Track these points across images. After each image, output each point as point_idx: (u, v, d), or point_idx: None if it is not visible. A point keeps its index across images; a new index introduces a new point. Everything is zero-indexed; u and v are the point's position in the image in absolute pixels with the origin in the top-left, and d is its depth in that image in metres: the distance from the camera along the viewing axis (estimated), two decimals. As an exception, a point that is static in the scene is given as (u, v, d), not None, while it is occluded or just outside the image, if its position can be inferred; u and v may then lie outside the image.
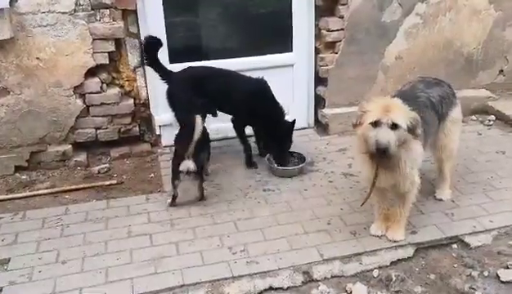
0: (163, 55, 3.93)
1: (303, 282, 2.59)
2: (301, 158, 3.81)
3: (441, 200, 3.23)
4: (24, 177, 3.69)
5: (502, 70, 4.72)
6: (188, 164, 3.14)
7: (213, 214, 3.18)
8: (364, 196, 3.23)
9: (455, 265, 2.69)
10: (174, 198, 3.27)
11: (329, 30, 4.18)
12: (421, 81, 3.07)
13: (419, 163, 2.71)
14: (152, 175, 3.75)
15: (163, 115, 4.08)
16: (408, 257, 2.74)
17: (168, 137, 4.14)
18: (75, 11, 3.52)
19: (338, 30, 4.18)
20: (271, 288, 2.56)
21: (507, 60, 4.70)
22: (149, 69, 3.93)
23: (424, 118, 2.67)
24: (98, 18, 3.60)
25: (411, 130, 2.48)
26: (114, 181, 3.62)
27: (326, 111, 4.37)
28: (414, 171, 2.65)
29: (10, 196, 3.44)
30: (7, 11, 3.31)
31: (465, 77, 4.60)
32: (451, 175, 3.26)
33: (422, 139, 2.65)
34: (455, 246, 2.84)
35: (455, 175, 3.39)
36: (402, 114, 2.47)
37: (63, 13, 3.49)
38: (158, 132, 4.14)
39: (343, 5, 4.11)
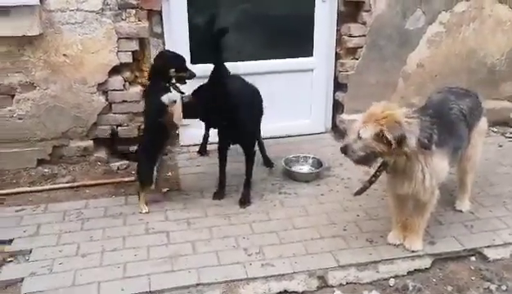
0: (185, 55, 3.99)
1: (317, 287, 2.60)
2: (318, 163, 3.82)
3: (460, 211, 3.20)
4: (46, 171, 3.76)
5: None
6: None
7: (230, 215, 3.20)
8: (380, 203, 3.27)
9: (473, 278, 2.67)
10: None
11: (351, 36, 4.18)
12: (450, 91, 2.98)
13: (442, 177, 2.66)
14: (170, 173, 3.80)
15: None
16: (426, 268, 2.73)
17: (186, 137, 4.21)
18: (103, 10, 3.58)
19: (360, 36, 4.18)
20: (285, 292, 2.57)
21: (531, 71, 4.65)
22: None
23: (457, 133, 2.69)
24: (124, 17, 3.65)
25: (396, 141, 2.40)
26: (133, 178, 3.66)
27: (344, 117, 4.36)
28: (433, 183, 2.61)
29: (32, 188, 3.52)
30: (38, 7, 3.38)
31: (487, 88, 4.54)
32: (472, 186, 3.23)
33: (447, 152, 2.62)
34: (473, 258, 2.81)
35: (476, 186, 3.36)
36: (372, 126, 2.44)
37: (91, 12, 3.55)
38: (176, 132, 4.18)
39: (367, 11, 4.11)
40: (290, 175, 3.71)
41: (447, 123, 2.67)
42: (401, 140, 2.41)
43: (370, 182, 2.71)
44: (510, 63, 4.55)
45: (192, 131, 4.18)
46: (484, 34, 4.38)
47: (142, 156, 3.29)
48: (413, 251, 2.79)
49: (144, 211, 3.22)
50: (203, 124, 4.04)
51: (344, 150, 2.58)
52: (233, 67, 3.97)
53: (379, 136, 2.43)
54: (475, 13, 4.29)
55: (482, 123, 3.05)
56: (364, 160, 2.57)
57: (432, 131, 2.52)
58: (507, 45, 4.48)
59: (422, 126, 2.48)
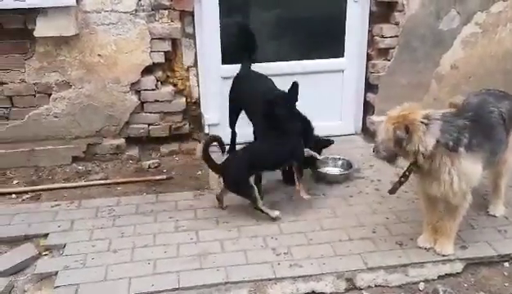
0: (216, 55, 4.05)
1: (345, 289, 2.59)
2: (347, 165, 3.79)
3: (494, 216, 3.12)
4: (80, 168, 3.87)
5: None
6: None
7: (258, 214, 3.20)
8: (410, 206, 3.23)
9: (507, 284, 2.60)
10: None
11: (382, 36, 4.13)
12: (488, 93, 2.91)
13: (473, 180, 2.60)
14: (200, 172, 3.84)
15: (212, 115, 4.17)
16: (457, 273, 2.68)
17: (216, 136, 4.24)
18: (136, 11, 3.65)
19: (392, 37, 4.13)
20: (313, 293, 2.57)
21: None
22: (201, 69, 4.05)
23: (495, 137, 2.66)
24: (157, 18, 3.73)
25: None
26: (164, 176, 3.73)
27: (375, 118, 4.31)
28: (462, 186, 2.55)
29: (67, 185, 3.62)
30: (74, 8, 3.49)
31: None
32: (506, 190, 3.14)
33: (481, 156, 2.57)
34: (506, 264, 2.74)
35: (510, 191, 3.27)
36: (387, 127, 2.54)
37: (125, 12, 3.64)
38: (207, 131, 4.22)
39: (400, 11, 4.05)
40: (319, 177, 3.70)
41: (485, 126, 2.63)
42: (400, 142, 2.47)
43: (400, 182, 2.70)
44: (548, 64, 4.40)
45: (222, 130, 4.21)
46: (522, 35, 4.26)
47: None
48: (444, 256, 2.74)
49: (276, 215, 3.13)
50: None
51: (373, 149, 2.71)
52: (265, 68, 4.02)
53: (393, 137, 2.50)
54: (512, 13, 4.18)
55: None
56: (389, 159, 2.66)
57: (459, 134, 2.49)
58: (545, 46, 4.34)
59: (445, 128, 2.48)
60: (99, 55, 3.70)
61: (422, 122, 2.45)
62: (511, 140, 2.91)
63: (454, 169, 2.52)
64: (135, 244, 2.90)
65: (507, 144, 2.87)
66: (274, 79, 4.04)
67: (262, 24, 4.21)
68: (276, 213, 3.15)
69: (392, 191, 2.78)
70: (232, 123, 3.94)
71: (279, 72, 4.15)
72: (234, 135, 4.00)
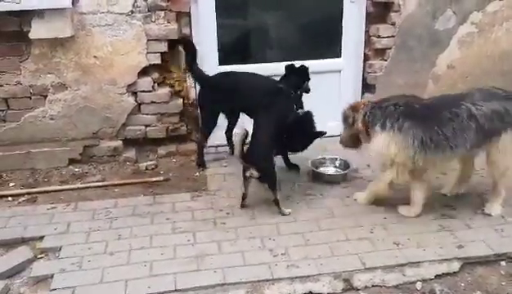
0: (213, 56, 4.04)
1: (343, 289, 2.58)
2: (345, 165, 3.79)
3: (489, 215, 3.13)
4: (76, 170, 3.87)
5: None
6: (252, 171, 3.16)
7: (255, 215, 3.21)
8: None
9: (503, 283, 2.60)
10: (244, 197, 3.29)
11: (379, 37, 4.14)
12: (484, 91, 3.03)
13: (383, 155, 3.03)
14: (197, 174, 3.83)
15: (209, 116, 4.16)
16: (454, 272, 2.67)
17: (214, 138, 4.23)
18: (132, 12, 3.65)
19: (388, 37, 4.14)
20: (310, 293, 2.56)
21: None
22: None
23: (439, 131, 2.90)
24: (153, 19, 3.72)
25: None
26: (161, 178, 3.73)
27: (372, 118, 4.32)
28: (377, 157, 3.13)
29: (63, 187, 3.61)
30: (69, 10, 3.48)
31: None
32: (505, 191, 3.14)
33: (398, 139, 2.94)
34: (503, 263, 2.74)
35: (508, 190, 3.26)
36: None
37: (121, 14, 3.64)
38: (204, 132, 4.22)
39: (396, 12, 4.06)
40: (317, 177, 3.69)
41: (426, 118, 2.94)
42: (348, 120, 3.20)
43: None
44: (545, 64, 4.40)
45: (220, 132, 4.21)
46: (518, 34, 4.27)
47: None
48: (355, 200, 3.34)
49: (288, 212, 3.22)
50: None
51: (339, 141, 3.44)
52: (262, 69, 4.03)
53: (348, 123, 3.22)
54: (508, 12, 4.18)
55: None
56: (350, 144, 3.34)
57: (380, 117, 3.00)
58: (542, 45, 4.35)
59: (372, 111, 3.07)
60: (95, 56, 3.69)
61: (361, 107, 3.14)
62: (504, 143, 2.94)
63: (371, 142, 3.08)
64: (132, 246, 2.89)
65: (483, 141, 2.95)
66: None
67: (259, 25, 4.21)
68: (288, 210, 3.23)
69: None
70: (212, 129, 3.84)
71: (277, 73, 4.15)
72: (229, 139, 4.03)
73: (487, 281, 2.63)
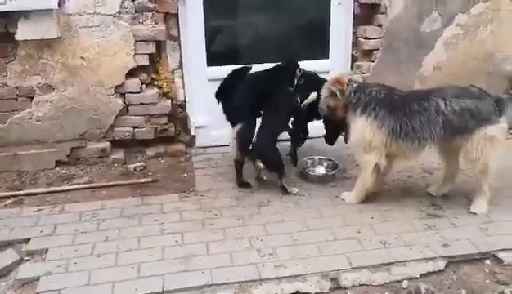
0: (201, 58, 4.04)
1: (330, 288, 2.59)
2: (333, 165, 3.81)
3: (475, 214, 3.17)
4: (64, 172, 3.84)
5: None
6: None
7: (244, 216, 3.22)
8: (395, 205, 3.27)
9: (488, 281, 2.63)
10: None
11: (366, 38, 4.18)
12: (458, 88, 3.15)
13: (361, 139, 3.13)
14: (186, 175, 3.83)
15: (198, 117, 4.17)
16: (439, 270, 2.70)
17: (203, 138, 4.24)
18: (120, 13, 3.64)
19: (375, 38, 4.18)
20: (298, 293, 2.56)
21: (550, 73, 4.57)
22: (187, 72, 4.04)
23: (407, 122, 3.04)
24: (141, 20, 3.72)
25: None
26: (149, 179, 3.72)
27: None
28: (353, 138, 3.21)
29: (50, 189, 3.59)
30: (56, 11, 3.46)
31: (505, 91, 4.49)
32: (490, 191, 3.18)
33: (373, 125, 3.08)
34: (488, 261, 2.77)
35: (491, 189, 3.30)
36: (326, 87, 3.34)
37: (108, 15, 3.63)
38: (193, 133, 4.22)
39: (382, 13, 4.10)
40: (306, 177, 3.71)
41: (399, 108, 3.06)
42: (342, 92, 3.19)
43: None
44: (529, 65, 4.47)
45: (209, 132, 4.22)
46: (502, 36, 4.33)
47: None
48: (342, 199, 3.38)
49: (296, 191, 3.48)
50: (219, 125, 4.09)
51: (319, 109, 3.44)
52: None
53: (330, 93, 3.25)
54: (493, 14, 4.25)
55: (492, 131, 3.00)
56: (329, 113, 3.38)
57: (362, 100, 3.11)
58: (525, 47, 4.42)
59: (356, 91, 3.15)
60: (82, 57, 3.68)
61: (346, 83, 3.20)
62: (478, 141, 3.00)
63: (352, 124, 3.19)
64: (119, 248, 2.88)
65: (468, 143, 3.03)
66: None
67: (247, 27, 4.22)
68: (295, 190, 3.49)
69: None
70: None
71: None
72: None
73: (472, 279, 2.66)
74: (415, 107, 3.05)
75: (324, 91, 3.34)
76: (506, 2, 4.25)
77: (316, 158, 3.92)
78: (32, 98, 3.71)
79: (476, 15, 4.22)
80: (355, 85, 3.20)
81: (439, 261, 2.75)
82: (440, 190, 3.42)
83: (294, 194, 3.46)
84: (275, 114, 3.54)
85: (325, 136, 3.77)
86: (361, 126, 3.12)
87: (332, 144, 3.76)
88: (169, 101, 4.01)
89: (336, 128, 3.57)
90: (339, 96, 3.21)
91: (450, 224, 3.06)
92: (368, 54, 4.25)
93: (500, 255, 2.78)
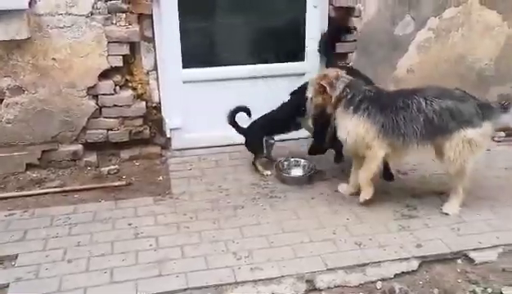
0: (176, 59, 4.01)
1: (305, 290, 2.59)
2: (309, 167, 3.82)
3: (447, 214, 3.22)
4: (35, 175, 3.74)
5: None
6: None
7: (220, 219, 3.20)
8: (370, 207, 3.30)
9: (460, 281, 2.68)
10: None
11: (341, 41, 4.21)
12: (441, 89, 3.21)
13: (354, 137, 3.16)
14: (161, 177, 3.79)
15: (174, 119, 4.13)
16: (412, 270, 2.73)
17: (179, 141, 4.20)
18: (92, 13, 3.57)
19: (350, 42, 4.21)
20: (273, 295, 2.57)
21: (519, 76, 4.70)
22: (162, 73, 4.00)
23: (394, 119, 3.11)
24: (114, 21, 3.65)
25: None
26: (123, 182, 3.66)
27: (336, 121, 4.39)
28: (349, 138, 3.20)
29: (20, 193, 3.49)
30: (26, 12, 3.37)
31: (477, 93, 4.42)
32: (464, 192, 3.23)
33: (366, 123, 3.11)
34: (460, 261, 2.82)
35: (465, 191, 3.34)
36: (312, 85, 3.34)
37: (80, 15, 3.55)
38: (168, 135, 4.18)
39: (357, 17, 4.14)
40: (282, 179, 3.71)
41: (386, 106, 3.12)
42: (331, 84, 3.17)
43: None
44: (499, 68, 4.59)
45: (184, 134, 4.19)
46: (473, 40, 4.43)
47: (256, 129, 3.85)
48: (361, 202, 3.33)
49: (267, 173, 3.79)
50: (194, 128, 4.09)
51: (304, 110, 3.48)
52: (227, 72, 4.05)
53: (318, 91, 3.25)
54: (464, 18, 4.34)
55: (472, 134, 3.03)
56: (316, 112, 3.39)
57: (355, 98, 3.13)
58: (495, 50, 4.53)
59: (347, 89, 3.16)
60: (53, 58, 3.59)
61: (334, 78, 3.19)
62: (456, 142, 3.05)
63: (343, 122, 3.20)
64: (91, 253, 2.82)
65: (445, 143, 3.08)
66: (235, 83, 4.08)
67: (223, 28, 4.20)
68: (268, 172, 3.80)
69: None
70: None
71: (240, 76, 4.17)
72: None
73: (444, 278, 2.70)
74: (399, 104, 3.11)
75: (311, 90, 3.32)
76: (477, 6, 4.35)
77: (292, 159, 3.93)
78: (1, 100, 3.60)
79: (448, 19, 4.30)
80: (346, 80, 3.20)
81: (413, 261, 2.78)
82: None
83: (264, 175, 3.77)
84: (275, 111, 3.87)
85: (314, 137, 3.83)
86: (356, 125, 3.14)
87: (323, 143, 3.73)
88: (144, 103, 3.96)
89: (324, 127, 3.52)
90: (329, 90, 3.18)
91: (423, 225, 3.10)
92: (343, 57, 4.28)
93: (472, 254, 2.84)
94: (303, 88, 3.60)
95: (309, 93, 3.34)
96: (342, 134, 3.23)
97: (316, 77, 3.32)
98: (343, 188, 3.53)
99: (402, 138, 3.11)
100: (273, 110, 3.87)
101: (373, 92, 3.19)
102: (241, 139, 3.92)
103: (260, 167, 3.83)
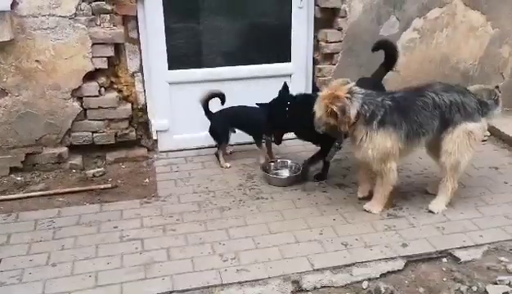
0: (162, 61, 3.99)
1: (292, 291, 2.58)
2: (296, 168, 3.83)
3: (431, 212, 3.25)
4: (18, 178, 3.70)
5: (498, 86, 4.71)
6: None
7: (206, 221, 3.18)
8: (357, 207, 3.31)
9: (445, 279, 2.69)
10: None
11: (327, 42, 4.22)
12: (440, 83, 3.23)
13: (383, 151, 3.03)
14: (147, 180, 3.76)
15: (160, 121, 4.11)
16: (398, 270, 2.74)
17: (165, 143, 4.18)
18: (76, 15, 3.54)
19: (336, 42, 4.23)
20: (260, 297, 2.56)
21: (503, 76, 4.75)
22: (147, 75, 3.98)
23: (416, 119, 3.06)
24: (98, 23, 3.62)
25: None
26: (109, 185, 3.63)
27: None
28: (374, 154, 3.04)
29: (4, 197, 3.44)
30: (8, 13, 3.33)
31: None
32: (453, 191, 3.26)
33: (392, 132, 3.01)
34: (445, 260, 2.83)
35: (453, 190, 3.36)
36: (321, 105, 3.01)
37: (63, 17, 3.52)
38: (155, 137, 4.16)
39: (342, 17, 4.15)
40: (268, 180, 3.71)
41: (405, 108, 3.05)
42: (344, 110, 2.92)
43: (335, 147, 3.32)
44: (483, 68, 4.64)
45: (171, 136, 4.17)
46: (457, 40, 4.47)
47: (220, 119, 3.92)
48: (368, 212, 3.26)
49: (226, 166, 3.89)
50: (181, 129, 4.07)
51: (315, 126, 3.14)
52: (213, 73, 4.03)
53: (328, 112, 2.97)
54: (448, 19, 4.38)
55: (472, 127, 3.09)
56: (328, 130, 3.11)
57: (376, 109, 2.98)
58: (479, 51, 4.58)
59: (365, 103, 2.97)
60: (37, 60, 3.56)
61: (346, 97, 2.94)
62: (457, 134, 3.09)
63: (367, 139, 3.02)
64: (76, 257, 2.79)
65: (441, 129, 3.11)
66: (221, 84, 4.06)
67: (209, 30, 4.19)
68: (227, 165, 3.90)
69: (328, 157, 3.45)
70: None
71: (227, 77, 4.16)
72: None
73: (430, 277, 2.71)
74: (419, 103, 3.07)
75: (320, 109, 3.02)
76: (461, 7, 4.40)
77: (279, 160, 3.93)
78: (-16, 103, 3.56)
79: (432, 19, 4.34)
80: (359, 96, 2.98)
81: (398, 261, 2.79)
82: (436, 189, 3.42)
83: (223, 167, 3.88)
84: (248, 108, 3.95)
85: (322, 152, 3.59)
86: (383, 139, 3.01)
87: (325, 157, 3.54)
88: (130, 105, 3.93)
89: (332, 140, 3.31)
90: (340, 115, 2.93)
91: (409, 225, 3.12)
92: (329, 57, 4.30)
93: (457, 253, 2.85)
94: (273, 104, 3.60)
95: (318, 110, 3.05)
96: (368, 152, 3.03)
97: (326, 97, 2.98)
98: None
99: (422, 135, 3.12)
100: (246, 106, 3.92)
101: (390, 100, 3.04)
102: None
103: (221, 159, 3.92)
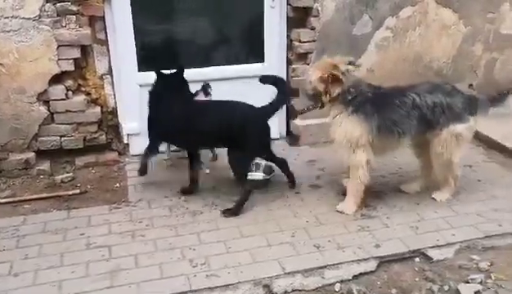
0: (131, 62, 3.90)
1: (263, 296, 2.54)
2: (270, 169, 3.77)
3: (435, 200, 3.34)
4: (-17, 186, 3.58)
5: (472, 85, 4.77)
6: None
7: (177, 225, 3.11)
8: (330, 208, 3.27)
9: (417, 279, 2.66)
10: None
11: (300, 41, 4.18)
12: (431, 84, 3.25)
13: (350, 139, 3.07)
14: (118, 184, 3.67)
15: (130, 124, 4.02)
16: (371, 271, 2.71)
17: (137, 146, 4.08)
18: (40, 16, 3.44)
19: (309, 42, 4.18)
20: (230, 302, 2.50)
21: (476, 74, 4.77)
22: (117, 77, 3.89)
23: (390, 116, 3.09)
24: (64, 24, 3.52)
25: None
26: (77, 191, 3.53)
27: (298, 122, 4.36)
28: (342, 138, 3.11)
29: (-34, 205, 3.33)
30: (-32, 15, 3.23)
31: None
32: (457, 181, 3.33)
33: (362, 123, 3.04)
34: (417, 259, 2.81)
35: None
36: (318, 71, 3.14)
37: (27, 19, 3.42)
38: (126, 141, 4.07)
39: (315, 17, 4.11)
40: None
41: (383, 105, 3.08)
42: (338, 79, 3.01)
43: (308, 108, 3.57)
44: (456, 67, 4.65)
45: (142, 140, 4.06)
46: (430, 39, 4.47)
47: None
48: (340, 212, 3.23)
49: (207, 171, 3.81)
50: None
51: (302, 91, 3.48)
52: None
53: (322, 78, 3.05)
54: (420, 18, 4.38)
55: (460, 129, 3.11)
56: (312, 98, 3.24)
57: (356, 98, 3.04)
58: (452, 49, 4.59)
59: (351, 87, 3.04)
60: (0, 64, 3.44)
61: (343, 73, 3.03)
62: (444, 136, 3.11)
63: (340, 120, 3.10)
64: (39, 266, 2.69)
65: (424, 131, 3.13)
66: (192, 86, 3.97)
67: (180, 30, 4.12)
68: (207, 171, 3.79)
69: (300, 112, 3.74)
70: None
71: (199, 78, 4.08)
72: None
73: (402, 278, 2.68)
74: (396, 102, 3.09)
75: (316, 73, 3.13)
76: (433, 5, 4.40)
77: (253, 162, 3.86)
78: None
79: (405, 18, 4.33)
80: (352, 78, 3.07)
81: (371, 262, 2.76)
82: (411, 187, 3.48)
83: (206, 173, 3.75)
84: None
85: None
86: (353, 126, 3.06)
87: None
88: (99, 108, 3.84)
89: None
90: (332, 86, 3.05)
91: (382, 225, 3.09)
92: (303, 57, 4.25)
93: (429, 252, 2.84)
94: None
95: (312, 76, 3.15)
96: (336, 133, 3.13)
97: (327, 63, 3.12)
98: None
99: (398, 134, 3.11)
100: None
101: (372, 93, 3.11)
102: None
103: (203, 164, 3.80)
